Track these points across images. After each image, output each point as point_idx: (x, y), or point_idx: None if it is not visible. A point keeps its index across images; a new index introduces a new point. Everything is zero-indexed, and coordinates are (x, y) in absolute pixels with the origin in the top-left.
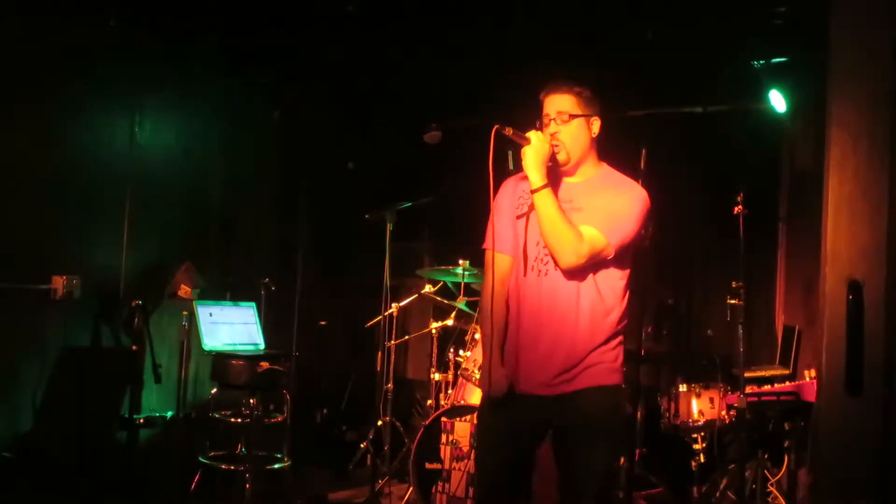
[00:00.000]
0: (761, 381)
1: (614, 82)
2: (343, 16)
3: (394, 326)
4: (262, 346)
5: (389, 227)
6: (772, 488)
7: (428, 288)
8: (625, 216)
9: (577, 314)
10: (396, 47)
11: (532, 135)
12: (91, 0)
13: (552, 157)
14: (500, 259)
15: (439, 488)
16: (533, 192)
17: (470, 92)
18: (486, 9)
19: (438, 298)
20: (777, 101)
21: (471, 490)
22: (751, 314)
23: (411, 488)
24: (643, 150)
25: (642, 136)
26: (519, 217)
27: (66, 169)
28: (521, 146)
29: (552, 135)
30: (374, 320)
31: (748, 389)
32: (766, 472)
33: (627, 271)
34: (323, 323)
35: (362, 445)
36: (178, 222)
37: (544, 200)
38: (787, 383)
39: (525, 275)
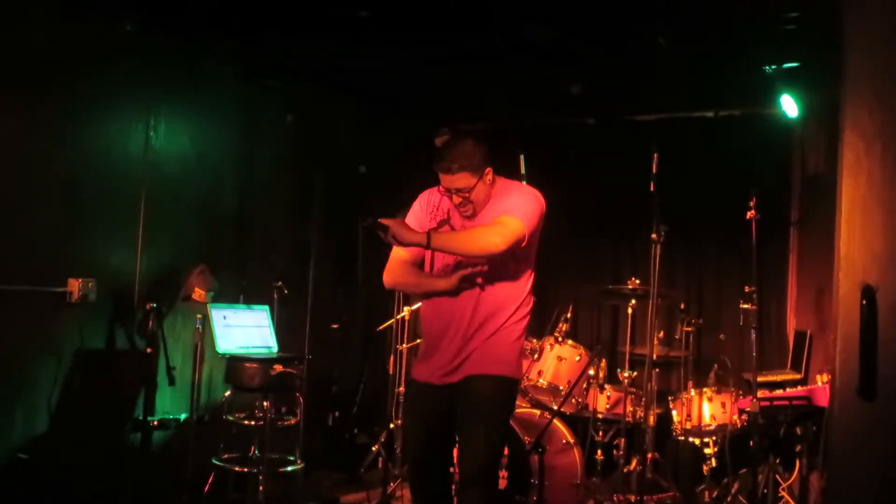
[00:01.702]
0: (773, 385)
1: (627, 86)
2: (356, 20)
3: (405, 330)
4: (276, 349)
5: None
6: (783, 493)
7: None
8: (528, 210)
9: (467, 315)
10: (409, 51)
11: (390, 223)
12: (107, 4)
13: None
14: (401, 251)
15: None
16: (427, 244)
17: (482, 96)
18: (497, 13)
19: None
20: (788, 105)
21: None
22: (762, 318)
23: None
24: (654, 155)
25: (654, 140)
26: (430, 231)
27: (82, 172)
28: (382, 232)
29: (458, 203)
30: (387, 324)
31: (760, 394)
32: (777, 476)
33: (522, 279)
34: (335, 326)
35: (374, 448)
36: (192, 226)
37: (440, 240)
38: (799, 388)
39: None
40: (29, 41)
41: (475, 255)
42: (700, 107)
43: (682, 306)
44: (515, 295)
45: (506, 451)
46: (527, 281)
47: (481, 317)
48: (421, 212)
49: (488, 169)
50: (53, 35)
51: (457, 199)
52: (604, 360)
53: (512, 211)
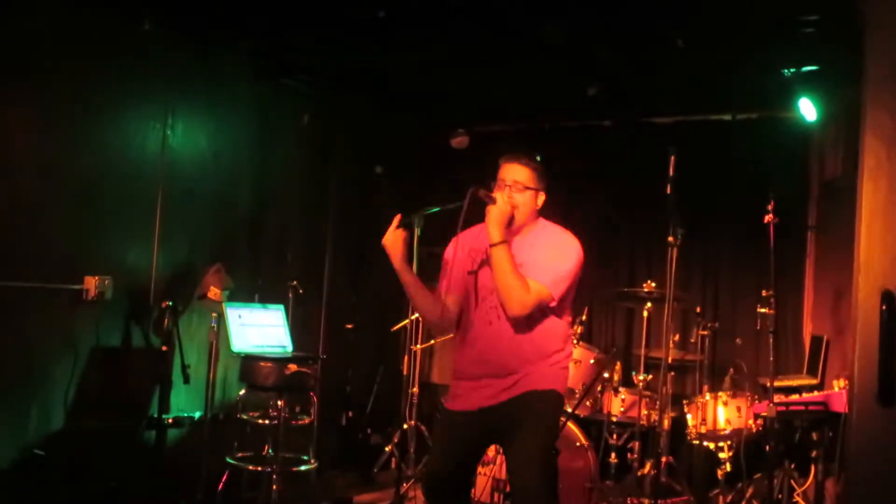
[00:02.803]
0: (789, 390)
1: (644, 88)
2: (373, 21)
3: (420, 330)
4: (290, 349)
5: (417, 231)
6: (798, 498)
7: None
8: (563, 270)
9: (517, 356)
10: (426, 53)
11: (498, 196)
12: (126, 3)
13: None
14: (450, 299)
15: None
16: (492, 245)
17: (497, 98)
18: (516, 15)
19: None
20: (807, 109)
21: (496, 495)
22: (778, 323)
23: None
24: (671, 157)
25: (671, 143)
26: (470, 273)
27: (99, 171)
28: (486, 204)
29: (503, 197)
30: (401, 324)
31: (776, 398)
32: (792, 481)
33: (565, 318)
34: (350, 326)
35: (387, 449)
36: (208, 224)
37: (501, 255)
38: (816, 393)
39: (475, 324)
40: (47, 40)
41: (501, 298)
42: (717, 110)
43: (698, 310)
44: (558, 338)
45: None
46: (567, 321)
47: (527, 360)
48: (461, 253)
49: (544, 194)
50: (72, 34)
51: (505, 194)
52: (618, 363)
53: (553, 277)
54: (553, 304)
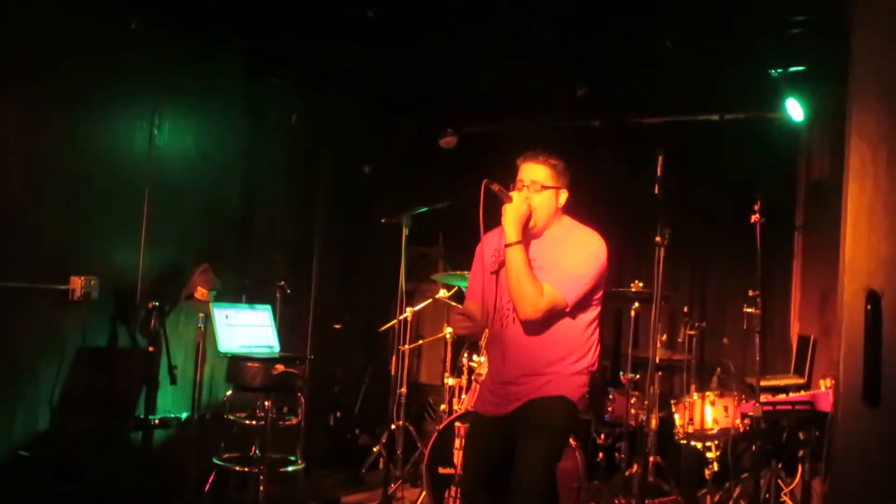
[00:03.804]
0: (776, 390)
1: (633, 89)
2: (362, 21)
3: (408, 330)
4: (278, 349)
5: (405, 231)
6: (785, 498)
7: (442, 293)
8: (580, 274)
9: (530, 360)
10: (415, 53)
11: (515, 194)
12: (114, 3)
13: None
14: (471, 305)
15: (452, 493)
16: (506, 245)
17: (487, 98)
18: (504, 16)
19: (453, 303)
20: (794, 109)
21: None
22: (765, 323)
23: (424, 493)
24: (659, 158)
25: (659, 143)
26: (492, 272)
27: (86, 170)
28: (503, 202)
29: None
30: (389, 324)
31: (762, 398)
32: (779, 481)
33: (591, 319)
34: (338, 326)
35: (375, 449)
36: (195, 224)
37: (515, 255)
38: (802, 392)
39: (493, 325)
40: (33, 38)
41: (513, 300)
42: (705, 110)
43: (686, 310)
44: (580, 340)
45: None
46: (591, 324)
47: (546, 364)
48: (486, 253)
49: (566, 192)
50: (59, 33)
51: (523, 194)
52: (606, 363)
53: (568, 281)
54: (567, 309)
